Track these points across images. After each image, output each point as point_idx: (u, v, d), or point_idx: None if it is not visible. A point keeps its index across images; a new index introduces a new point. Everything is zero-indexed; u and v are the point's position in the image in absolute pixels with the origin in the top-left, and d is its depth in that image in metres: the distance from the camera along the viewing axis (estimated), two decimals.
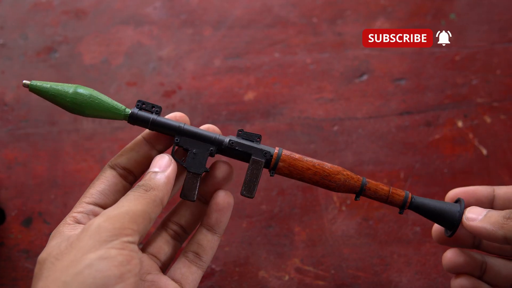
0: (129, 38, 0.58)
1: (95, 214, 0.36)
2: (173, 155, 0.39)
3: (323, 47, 0.57)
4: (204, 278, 0.48)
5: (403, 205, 0.38)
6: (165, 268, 0.40)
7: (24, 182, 0.52)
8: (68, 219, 0.36)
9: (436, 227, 0.41)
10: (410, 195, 0.38)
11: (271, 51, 0.57)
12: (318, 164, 0.38)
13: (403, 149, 0.53)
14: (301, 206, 0.51)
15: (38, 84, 0.36)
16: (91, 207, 0.37)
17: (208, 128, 0.39)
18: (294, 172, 0.38)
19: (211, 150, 0.38)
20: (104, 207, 0.37)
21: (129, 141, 0.38)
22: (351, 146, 0.53)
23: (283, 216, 0.50)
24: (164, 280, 0.38)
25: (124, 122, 0.53)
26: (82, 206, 0.37)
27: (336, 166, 0.38)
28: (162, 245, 0.40)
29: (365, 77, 0.56)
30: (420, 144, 0.53)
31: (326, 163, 0.38)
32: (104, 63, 0.57)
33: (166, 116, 0.39)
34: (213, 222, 0.40)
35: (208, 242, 0.40)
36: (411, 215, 0.50)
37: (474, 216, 0.37)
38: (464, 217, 0.37)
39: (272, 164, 0.38)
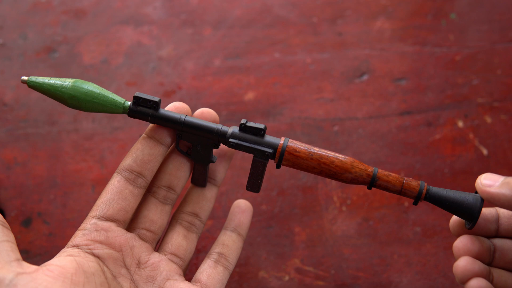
0: (129, 38, 0.58)
1: (98, 229, 0.35)
2: (178, 147, 0.39)
3: (323, 47, 0.57)
4: None
5: (418, 197, 0.37)
6: (186, 265, 0.39)
7: (23, 182, 0.52)
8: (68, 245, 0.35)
9: (455, 219, 0.39)
10: (425, 185, 0.37)
11: (271, 51, 0.57)
12: (324, 163, 0.36)
13: (403, 149, 0.53)
14: (301, 206, 0.50)
15: (34, 80, 0.36)
16: (94, 221, 0.36)
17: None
18: (299, 168, 0.37)
19: (215, 143, 0.38)
20: (109, 218, 0.36)
21: (129, 141, 0.37)
22: (351, 146, 0.53)
23: (283, 216, 0.50)
24: (183, 286, 0.37)
25: (124, 122, 0.53)
26: (86, 222, 0.36)
27: (345, 162, 0.36)
28: (180, 241, 0.39)
29: (365, 77, 0.56)
30: (420, 144, 0.53)
31: (335, 158, 0.36)
32: (103, 63, 0.56)
33: (167, 107, 0.38)
34: (235, 224, 0.41)
35: (233, 242, 0.40)
36: (411, 215, 0.50)
37: (490, 183, 0.34)
38: (479, 182, 0.35)
39: (276, 160, 0.37)
